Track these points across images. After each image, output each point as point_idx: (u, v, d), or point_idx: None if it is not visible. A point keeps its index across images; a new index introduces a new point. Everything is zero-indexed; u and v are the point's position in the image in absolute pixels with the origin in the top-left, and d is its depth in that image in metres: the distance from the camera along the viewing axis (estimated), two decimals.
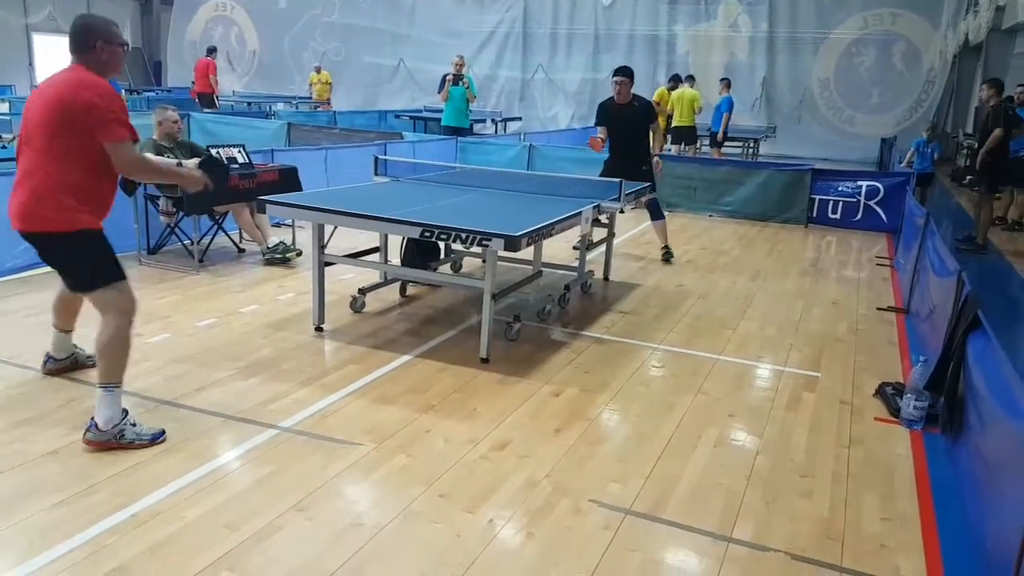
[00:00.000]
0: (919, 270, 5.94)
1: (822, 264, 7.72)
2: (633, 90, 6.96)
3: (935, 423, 3.84)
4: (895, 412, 4.01)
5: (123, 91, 10.62)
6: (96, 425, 3.28)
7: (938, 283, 4.90)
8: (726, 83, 13.35)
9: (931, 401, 3.88)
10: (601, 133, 7.03)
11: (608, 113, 7.08)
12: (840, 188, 9.71)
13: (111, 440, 3.28)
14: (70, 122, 3.17)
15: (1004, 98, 8.69)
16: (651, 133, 7.16)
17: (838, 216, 9.71)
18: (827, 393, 4.35)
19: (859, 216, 9.63)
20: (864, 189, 9.60)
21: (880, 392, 4.29)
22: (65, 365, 4.03)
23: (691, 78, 13.33)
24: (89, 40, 3.28)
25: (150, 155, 6.30)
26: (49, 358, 4.01)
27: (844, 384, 4.49)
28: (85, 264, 3.34)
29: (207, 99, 14.83)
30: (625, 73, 6.92)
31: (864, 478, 3.38)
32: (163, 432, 3.41)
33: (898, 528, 3.01)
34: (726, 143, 13.52)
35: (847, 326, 5.63)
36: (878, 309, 6.10)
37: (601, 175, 6.90)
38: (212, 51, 15.87)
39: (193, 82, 15.78)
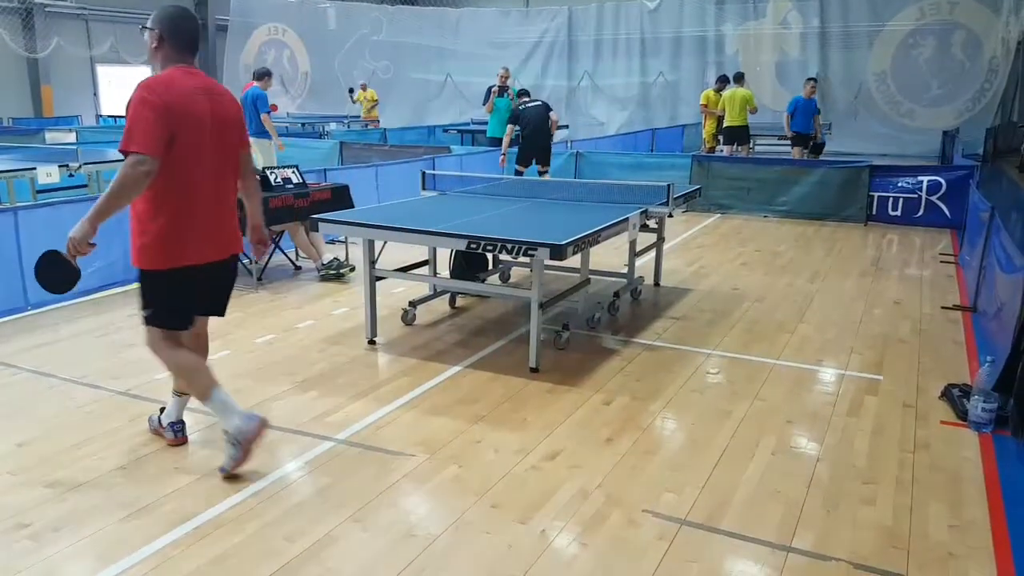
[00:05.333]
0: (985, 266, 5.72)
1: (883, 263, 7.50)
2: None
3: (1005, 425, 3.69)
4: (962, 415, 3.86)
5: None
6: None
7: (1005, 280, 4.71)
8: (810, 83, 12.33)
9: (1000, 403, 3.72)
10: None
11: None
12: (900, 184, 9.42)
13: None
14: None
15: None
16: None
17: (899, 213, 9.43)
18: (890, 396, 4.21)
19: (921, 212, 9.33)
20: (925, 184, 9.30)
21: (946, 394, 4.13)
22: None
23: (741, 76, 12.98)
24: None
25: None
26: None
27: (908, 387, 4.34)
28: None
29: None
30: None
31: (930, 484, 3.27)
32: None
33: (967, 535, 2.89)
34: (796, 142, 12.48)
35: (910, 326, 5.45)
36: (943, 308, 5.89)
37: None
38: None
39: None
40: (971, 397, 3.82)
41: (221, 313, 3.55)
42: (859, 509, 3.07)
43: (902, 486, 3.25)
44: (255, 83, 9.88)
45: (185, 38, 3.18)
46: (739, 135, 12.50)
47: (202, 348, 3.56)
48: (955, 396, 4.03)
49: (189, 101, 3.09)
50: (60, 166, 7.55)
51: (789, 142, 12.53)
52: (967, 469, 3.41)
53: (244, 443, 3.21)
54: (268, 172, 6.62)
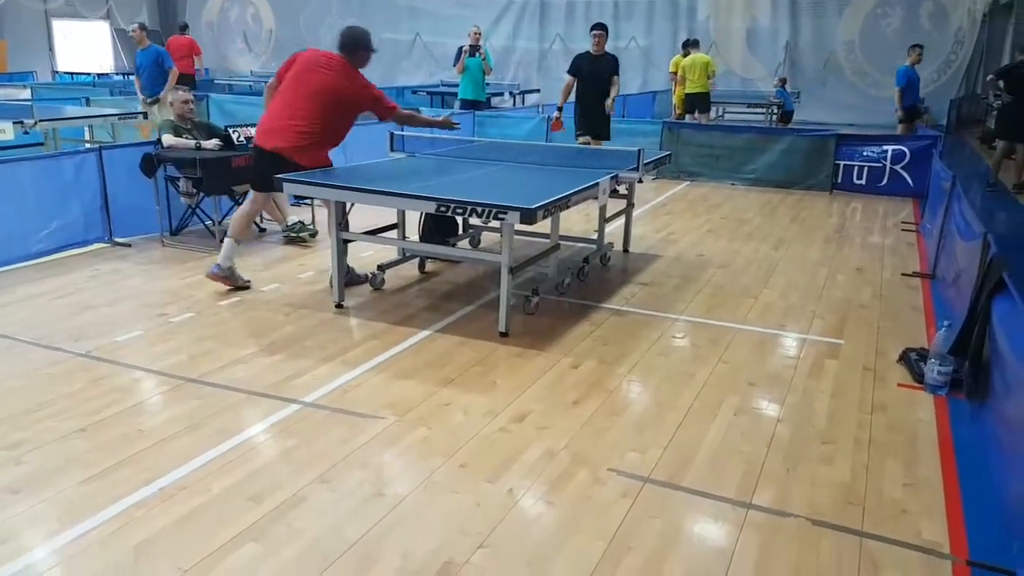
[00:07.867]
0: (945, 234, 5.83)
1: (847, 231, 7.62)
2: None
3: (960, 388, 3.79)
4: (919, 378, 3.96)
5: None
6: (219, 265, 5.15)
7: (964, 246, 4.81)
8: (916, 50, 11.31)
9: (955, 366, 3.82)
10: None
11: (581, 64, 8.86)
12: (865, 153, 9.53)
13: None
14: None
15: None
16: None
17: (863, 182, 9.55)
18: (850, 360, 4.31)
19: (885, 181, 9.46)
20: (890, 153, 9.42)
21: (904, 358, 4.24)
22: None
23: (697, 42, 12.90)
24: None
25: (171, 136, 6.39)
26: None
27: (868, 351, 4.44)
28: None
29: (189, 82, 12.10)
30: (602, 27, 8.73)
31: (887, 444, 3.36)
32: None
33: (920, 493, 2.99)
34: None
35: (871, 292, 5.56)
36: (903, 275, 6.01)
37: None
38: (185, 28, 13.34)
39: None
40: (928, 361, 3.92)
41: (258, 188, 5.32)
42: (818, 468, 3.15)
43: (859, 446, 3.34)
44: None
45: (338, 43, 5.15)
46: (699, 102, 12.41)
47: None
48: (912, 360, 4.13)
49: (301, 59, 5.10)
50: (15, 123, 7.33)
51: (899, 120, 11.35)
52: (922, 430, 3.51)
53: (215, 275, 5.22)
54: (231, 131, 6.47)
